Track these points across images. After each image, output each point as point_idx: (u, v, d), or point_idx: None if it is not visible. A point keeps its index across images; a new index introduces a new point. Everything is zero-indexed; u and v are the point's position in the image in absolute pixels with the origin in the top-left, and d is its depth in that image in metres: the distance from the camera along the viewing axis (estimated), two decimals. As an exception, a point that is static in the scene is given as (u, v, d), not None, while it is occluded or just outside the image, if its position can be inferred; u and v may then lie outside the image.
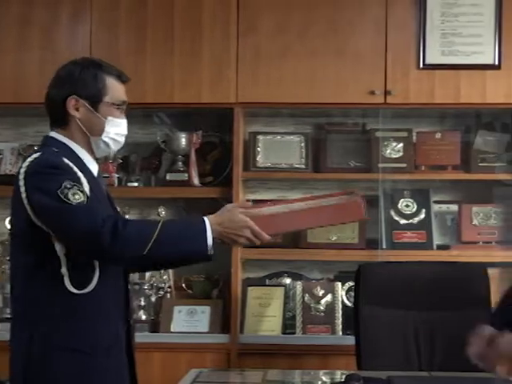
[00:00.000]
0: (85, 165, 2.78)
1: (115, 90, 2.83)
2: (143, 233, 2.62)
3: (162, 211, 4.84)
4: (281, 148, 4.94)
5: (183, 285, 4.95)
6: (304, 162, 4.92)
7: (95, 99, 2.78)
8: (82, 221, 2.58)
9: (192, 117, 4.99)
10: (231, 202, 4.61)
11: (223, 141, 4.90)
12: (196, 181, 4.66)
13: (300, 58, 4.69)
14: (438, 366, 3.78)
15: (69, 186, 2.59)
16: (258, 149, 4.89)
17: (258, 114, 5.02)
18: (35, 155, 2.72)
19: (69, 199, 2.57)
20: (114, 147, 2.87)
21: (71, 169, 2.66)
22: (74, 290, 2.64)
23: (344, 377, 3.14)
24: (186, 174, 4.74)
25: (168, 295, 4.91)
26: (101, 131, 2.80)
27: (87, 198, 2.63)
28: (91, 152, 2.84)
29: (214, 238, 2.67)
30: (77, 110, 2.77)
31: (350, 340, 4.04)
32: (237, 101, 4.70)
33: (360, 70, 4.68)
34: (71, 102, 2.76)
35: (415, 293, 3.93)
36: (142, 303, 4.65)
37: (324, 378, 3.48)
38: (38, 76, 4.53)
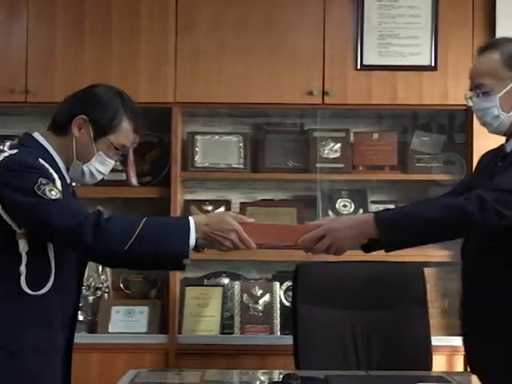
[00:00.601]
0: (60, 170, 2.74)
1: (123, 135, 2.81)
2: (125, 228, 2.61)
3: (100, 208, 4.78)
4: (219, 148, 4.95)
5: (121, 285, 4.94)
6: (242, 162, 4.95)
7: (101, 132, 2.76)
8: (63, 215, 2.55)
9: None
10: (169, 202, 4.72)
11: (161, 140, 4.89)
12: (134, 181, 4.64)
13: (237, 56, 4.71)
14: (375, 365, 3.80)
15: (44, 182, 2.56)
16: (197, 149, 4.89)
17: (196, 113, 5.02)
18: (10, 153, 2.70)
19: (45, 194, 2.54)
20: (88, 180, 2.85)
21: (47, 169, 2.62)
22: (29, 291, 2.59)
23: (282, 376, 3.11)
24: (124, 174, 4.72)
25: (106, 295, 4.88)
26: (86, 160, 2.78)
27: (63, 195, 2.60)
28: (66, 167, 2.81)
29: (198, 239, 2.67)
30: (79, 129, 2.75)
31: (288, 340, 4.05)
32: (175, 100, 4.70)
33: (298, 70, 4.69)
34: (79, 121, 2.74)
35: (352, 292, 3.94)
36: (80, 304, 4.56)
37: (262, 378, 3.44)
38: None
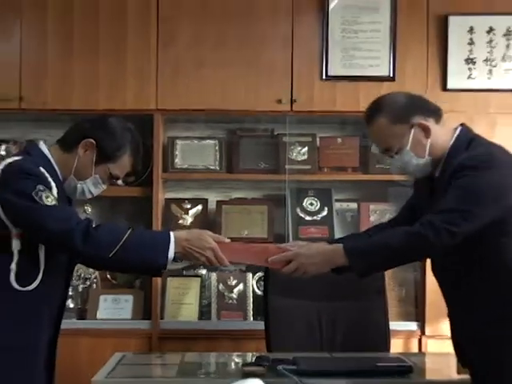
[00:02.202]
0: (59, 180, 2.75)
1: (121, 166, 2.84)
2: (112, 237, 2.62)
3: (89, 208, 4.85)
4: (197, 151, 4.96)
5: (108, 276, 4.94)
6: (218, 163, 4.96)
7: (103, 158, 2.79)
8: (56, 220, 2.57)
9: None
10: (152, 200, 4.73)
11: (144, 144, 4.85)
12: (120, 181, 4.60)
13: (215, 68, 4.70)
14: (338, 348, 3.78)
15: (42, 188, 2.58)
16: (176, 152, 4.91)
17: (176, 120, 5.02)
18: (14, 159, 2.70)
19: (42, 200, 2.56)
20: (78, 196, 2.85)
21: (46, 177, 2.64)
22: (18, 287, 2.59)
23: (254, 358, 3.18)
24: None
25: (94, 285, 4.90)
26: (82, 178, 2.80)
27: (58, 201, 2.63)
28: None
29: (176, 253, 2.68)
30: (85, 150, 2.77)
31: (260, 325, 4.04)
32: (157, 107, 4.71)
33: (269, 80, 4.71)
34: (87, 143, 2.76)
35: (318, 284, 3.80)
36: (70, 293, 4.54)
37: (236, 360, 3.45)
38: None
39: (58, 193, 2.67)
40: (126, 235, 2.63)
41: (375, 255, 2.79)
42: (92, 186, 2.82)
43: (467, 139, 2.83)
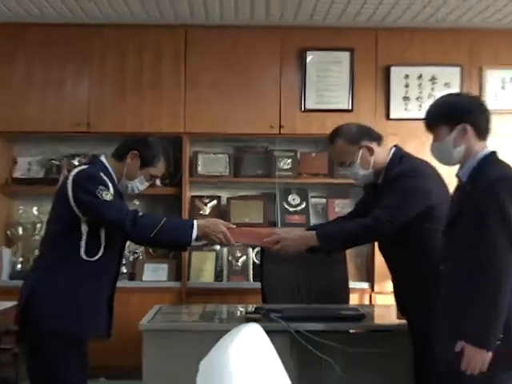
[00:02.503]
0: (114, 182, 2.74)
1: (158, 169, 2.82)
2: (152, 223, 2.65)
3: (137, 202, 4.83)
4: (213, 162, 4.91)
5: (150, 250, 4.90)
6: (228, 171, 4.91)
7: (145, 164, 2.77)
8: (112, 211, 2.61)
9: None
10: (181, 197, 4.69)
11: (175, 157, 4.82)
12: (158, 182, 4.50)
13: (225, 103, 4.68)
14: (313, 301, 3.70)
15: (102, 188, 2.61)
16: (199, 162, 4.86)
17: (198, 140, 4.95)
18: (83, 167, 2.73)
19: (102, 197, 2.59)
20: (129, 192, 2.83)
21: (105, 180, 2.65)
22: (86, 258, 2.61)
23: (254, 308, 3.19)
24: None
25: (140, 256, 4.89)
26: (131, 179, 2.78)
27: (113, 197, 2.64)
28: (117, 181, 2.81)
29: (197, 235, 2.71)
30: (131, 159, 2.75)
31: (258, 285, 3.99)
32: (185, 131, 4.69)
33: (263, 112, 4.69)
34: (132, 154, 2.75)
35: (299, 255, 3.82)
36: (124, 262, 4.54)
37: (241, 309, 3.40)
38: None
39: (114, 191, 2.67)
40: (163, 222, 2.66)
41: (338, 240, 2.83)
42: (139, 184, 2.79)
43: (399, 156, 2.83)
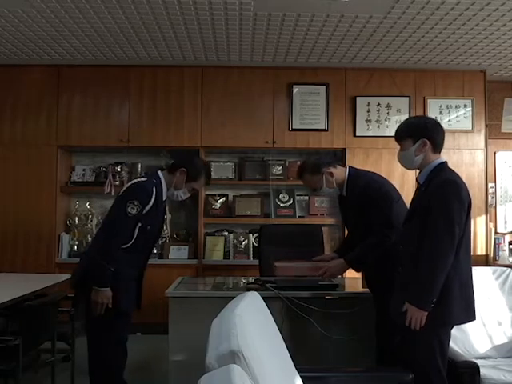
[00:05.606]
0: (162, 192, 2.62)
1: (199, 184, 2.72)
2: (100, 278, 2.49)
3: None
4: (223, 168, 4.86)
5: (175, 235, 4.88)
6: (234, 175, 4.87)
7: (190, 180, 2.66)
8: (113, 234, 2.51)
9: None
10: (198, 195, 4.59)
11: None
12: None
13: (232, 124, 4.63)
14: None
15: (136, 203, 2.49)
16: (212, 169, 4.73)
17: (211, 151, 4.88)
18: (140, 179, 2.61)
19: (127, 209, 2.48)
20: (174, 198, 2.70)
21: (152, 194, 2.53)
22: (123, 246, 2.54)
23: (254, 279, 3.18)
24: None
25: (167, 240, 4.84)
26: (178, 189, 2.66)
27: (138, 212, 2.50)
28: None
29: None
30: (180, 174, 2.63)
31: (256, 262, 3.97)
32: (201, 145, 4.64)
33: (261, 131, 4.65)
34: (181, 170, 2.63)
35: (288, 239, 3.82)
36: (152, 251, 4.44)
37: (244, 280, 3.35)
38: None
39: (155, 200, 2.54)
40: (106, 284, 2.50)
41: (361, 261, 2.73)
42: (182, 194, 2.69)
43: (354, 172, 2.77)
